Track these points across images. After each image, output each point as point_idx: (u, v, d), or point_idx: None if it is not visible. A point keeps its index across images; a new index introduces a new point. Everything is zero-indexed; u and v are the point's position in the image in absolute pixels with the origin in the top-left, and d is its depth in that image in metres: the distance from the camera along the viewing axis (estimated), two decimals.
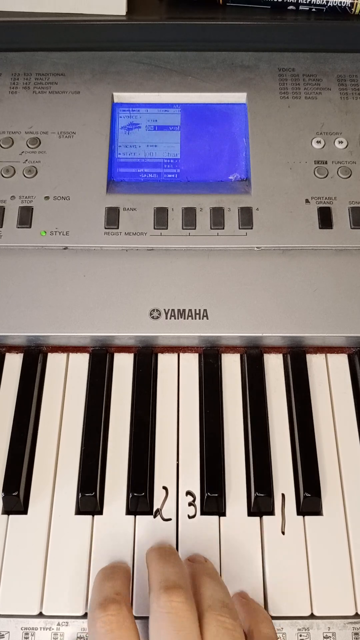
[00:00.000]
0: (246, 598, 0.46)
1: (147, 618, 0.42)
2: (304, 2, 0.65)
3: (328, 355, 0.58)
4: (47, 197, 0.60)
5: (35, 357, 0.57)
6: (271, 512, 0.50)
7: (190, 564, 0.46)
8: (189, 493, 0.51)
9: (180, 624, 0.39)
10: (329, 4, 0.65)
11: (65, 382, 0.56)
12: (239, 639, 0.40)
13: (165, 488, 0.51)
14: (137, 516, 0.50)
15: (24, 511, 0.50)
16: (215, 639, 0.39)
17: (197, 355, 0.58)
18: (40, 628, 0.46)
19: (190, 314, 0.56)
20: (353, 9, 0.64)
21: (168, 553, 0.45)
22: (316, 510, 0.50)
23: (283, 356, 0.58)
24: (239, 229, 0.59)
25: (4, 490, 0.49)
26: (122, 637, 0.39)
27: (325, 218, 0.60)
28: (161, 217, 0.60)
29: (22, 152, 0.63)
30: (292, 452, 0.53)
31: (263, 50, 0.67)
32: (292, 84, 0.66)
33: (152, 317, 0.56)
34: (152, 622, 0.40)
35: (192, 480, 0.51)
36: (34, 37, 0.65)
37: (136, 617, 0.44)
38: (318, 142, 0.63)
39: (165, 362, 0.58)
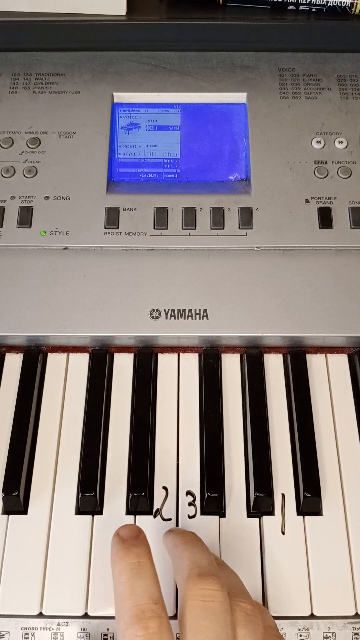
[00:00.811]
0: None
1: None
2: (304, 2, 0.65)
3: (328, 355, 0.58)
4: (47, 197, 0.60)
5: (35, 357, 0.57)
6: (271, 512, 0.50)
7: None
8: (189, 493, 0.51)
9: (214, 614, 0.37)
10: (329, 4, 0.65)
11: (65, 382, 0.56)
12: (260, 622, 0.39)
13: (165, 488, 0.51)
14: (137, 516, 0.50)
15: (24, 511, 0.50)
16: (243, 625, 0.38)
17: (197, 355, 0.58)
18: (40, 628, 0.46)
19: (190, 314, 0.56)
20: (353, 9, 0.64)
21: (195, 538, 0.43)
22: (316, 510, 0.50)
23: (283, 356, 0.58)
24: (239, 229, 0.59)
25: (4, 490, 0.50)
26: None
27: (325, 218, 0.60)
28: (161, 217, 0.60)
29: (22, 152, 0.63)
30: (292, 452, 0.53)
31: (263, 50, 0.67)
32: (292, 84, 0.66)
33: (152, 317, 0.56)
34: (188, 611, 0.38)
35: (192, 480, 0.51)
36: (34, 37, 0.65)
37: None
38: (318, 142, 0.63)
39: (165, 362, 0.58)
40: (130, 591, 0.38)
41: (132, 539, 0.41)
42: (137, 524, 0.50)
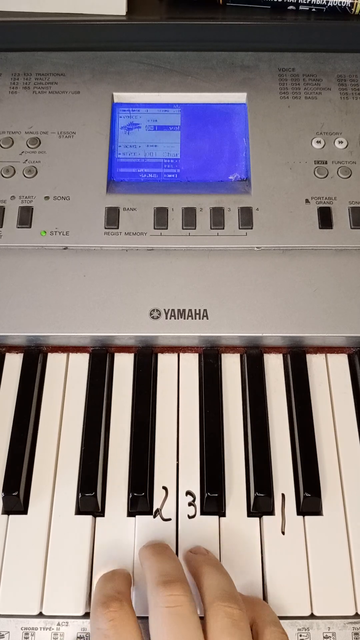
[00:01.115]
0: (239, 594, 0.46)
1: (147, 618, 0.42)
2: (304, 2, 0.65)
3: (328, 355, 0.58)
4: (47, 197, 0.60)
5: (35, 357, 0.57)
6: (271, 512, 0.50)
7: (193, 556, 0.46)
8: (189, 493, 0.51)
9: (181, 618, 0.39)
10: (329, 4, 0.65)
11: (65, 382, 0.56)
12: (245, 629, 0.40)
13: (165, 488, 0.51)
14: (137, 516, 0.50)
15: (24, 511, 0.50)
16: (223, 630, 0.39)
17: (197, 355, 0.58)
18: (40, 628, 0.46)
19: (190, 314, 0.56)
20: (353, 9, 0.64)
21: (162, 548, 0.45)
22: (316, 510, 0.50)
23: (283, 356, 0.58)
24: (239, 229, 0.59)
25: (4, 490, 0.49)
26: (125, 634, 0.39)
27: (325, 218, 0.60)
28: (161, 217, 0.60)
29: (22, 152, 0.63)
30: (292, 452, 0.53)
31: (263, 50, 0.67)
32: (292, 84, 0.66)
33: (152, 317, 0.56)
34: (153, 618, 0.40)
35: (192, 480, 0.51)
36: (34, 37, 0.65)
37: (138, 617, 0.44)
38: (318, 142, 0.63)
39: (165, 362, 0.58)
40: (100, 590, 0.43)
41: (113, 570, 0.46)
42: (137, 524, 0.50)
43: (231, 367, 0.57)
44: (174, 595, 0.39)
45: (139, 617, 0.43)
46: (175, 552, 0.48)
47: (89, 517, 0.50)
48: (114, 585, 0.43)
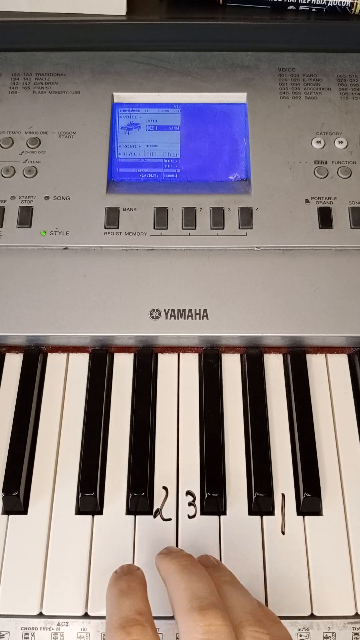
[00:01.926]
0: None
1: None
2: (304, 2, 0.65)
3: (328, 355, 0.58)
4: (47, 197, 0.60)
5: (35, 357, 0.57)
6: (271, 512, 0.50)
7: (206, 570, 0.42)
8: (189, 493, 0.51)
9: None
10: (329, 4, 0.65)
11: (65, 382, 0.56)
12: None
13: (165, 488, 0.51)
14: (137, 516, 0.50)
15: (24, 511, 0.50)
16: None
17: (197, 355, 0.58)
18: (40, 628, 0.46)
19: (190, 314, 0.56)
20: (353, 9, 0.64)
21: (191, 563, 0.41)
22: (316, 510, 0.50)
23: (283, 356, 0.58)
24: (239, 229, 0.59)
25: (4, 490, 0.50)
26: None
27: (325, 218, 0.60)
28: (161, 217, 0.60)
29: (22, 152, 0.63)
30: (292, 452, 0.53)
31: (263, 50, 0.67)
32: (292, 84, 0.66)
33: (152, 317, 0.56)
34: None
35: (192, 480, 0.51)
36: (34, 37, 0.65)
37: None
38: (318, 142, 0.63)
39: (165, 362, 0.58)
40: (117, 607, 0.38)
41: (127, 571, 0.42)
42: (137, 524, 0.50)
43: (231, 367, 0.57)
44: (214, 626, 0.35)
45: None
46: None
47: (89, 517, 0.50)
48: (132, 604, 0.38)
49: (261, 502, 0.50)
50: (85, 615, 0.46)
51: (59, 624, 0.46)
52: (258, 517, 0.50)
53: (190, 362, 0.58)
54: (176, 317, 0.56)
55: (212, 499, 0.50)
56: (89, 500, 0.50)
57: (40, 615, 0.46)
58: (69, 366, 0.57)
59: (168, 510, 0.50)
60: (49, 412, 0.55)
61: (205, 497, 0.50)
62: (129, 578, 0.41)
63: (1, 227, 0.59)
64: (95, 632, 0.46)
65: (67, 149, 0.62)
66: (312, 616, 0.47)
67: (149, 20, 0.65)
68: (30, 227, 0.59)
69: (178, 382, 0.57)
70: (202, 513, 0.50)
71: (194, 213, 0.60)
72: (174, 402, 0.55)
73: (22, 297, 0.57)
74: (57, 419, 0.54)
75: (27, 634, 0.46)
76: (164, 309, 0.57)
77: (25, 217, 0.59)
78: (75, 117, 0.64)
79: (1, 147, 0.63)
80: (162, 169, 0.63)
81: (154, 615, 0.39)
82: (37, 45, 0.67)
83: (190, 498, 0.51)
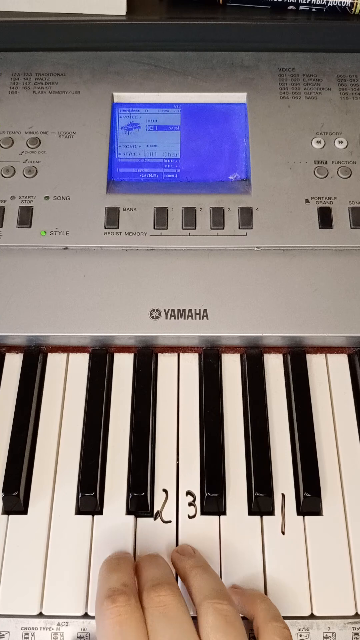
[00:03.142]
0: (240, 588, 0.47)
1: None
2: (304, 2, 0.65)
3: (328, 355, 0.58)
4: (47, 197, 0.60)
5: (35, 357, 0.57)
6: (271, 512, 0.50)
7: (179, 557, 0.46)
8: (189, 493, 0.51)
9: (172, 618, 0.39)
10: (329, 4, 0.65)
11: (65, 382, 0.56)
12: (237, 623, 0.40)
13: (165, 490, 0.51)
14: (138, 518, 0.50)
15: (24, 511, 0.50)
16: (214, 627, 0.39)
17: (197, 355, 0.58)
18: (40, 628, 0.46)
19: (190, 314, 0.56)
20: (353, 9, 0.64)
21: (153, 557, 0.46)
22: (316, 510, 0.50)
23: (283, 356, 0.58)
24: (239, 229, 0.59)
25: (4, 490, 0.50)
26: (132, 629, 0.39)
27: (325, 218, 0.60)
28: (161, 217, 0.60)
29: (22, 152, 0.63)
30: (292, 452, 0.53)
31: (263, 50, 0.67)
32: (292, 84, 0.66)
33: (152, 317, 0.56)
34: (147, 621, 0.40)
35: (192, 480, 0.51)
36: (34, 37, 0.65)
37: None
38: (318, 142, 0.63)
39: (165, 362, 0.58)
40: (105, 581, 0.43)
41: (116, 555, 0.46)
42: (137, 525, 0.50)
43: (231, 367, 0.57)
44: (162, 596, 0.40)
45: None
46: None
47: (89, 517, 0.50)
48: (119, 577, 0.42)
49: (261, 502, 0.50)
50: (85, 615, 0.46)
51: (59, 624, 0.46)
52: (258, 517, 0.50)
53: (190, 362, 0.58)
54: (176, 317, 0.56)
55: (212, 499, 0.50)
56: (89, 500, 0.50)
57: (40, 615, 0.46)
58: (69, 366, 0.57)
59: (168, 510, 0.50)
60: (49, 412, 0.55)
61: (205, 497, 0.50)
62: (118, 555, 0.46)
63: (1, 227, 0.59)
64: (95, 632, 0.46)
65: (67, 149, 0.62)
66: (312, 616, 0.47)
67: (149, 20, 0.65)
68: (30, 227, 0.59)
69: (178, 382, 0.57)
70: (202, 513, 0.50)
71: (194, 213, 0.60)
72: (174, 402, 0.55)
73: (22, 297, 0.57)
74: (57, 419, 0.54)
75: (27, 634, 0.46)
76: (164, 309, 0.57)
77: (25, 217, 0.59)
78: (75, 117, 0.64)
79: (1, 147, 0.63)
80: (162, 169, 0.63)
81: None
82: (37, 45, 0.67)
83: (190, 498, 0.51)
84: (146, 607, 0.40)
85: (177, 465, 0.52)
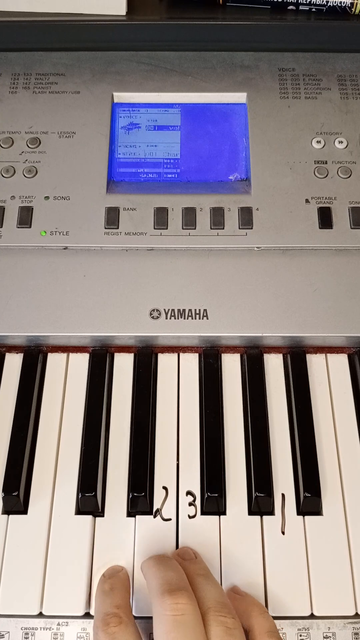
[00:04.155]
0: (239, 593, 0.47)
1: (147, 618, 0.42)
2: (304, 2, 0.65)
3: (328, 355, 0.58)
4: (47, 197, 0.60)
5: (35, 357, 0.57)
6: (271, 512, 0.50)
7: (181, 562, 0.46)
8: (189, 493, 0.51)
9: (188, 626, 0.39)
10: (329, 4, 0.65)
11: (65, 382, 0.56)
12: (239, 637, 0.40)
13: (165, 488, 0.51)
14: (137, 516, 0.50)
15: (24, 511, 0.50)
16: (217, 638, 0.40)
17: (197, 355, 0.58)
18: (40, 628, 0.46)
19: (190, 314, 0.56)
20: (353, 9, 0.64)
21: (165, 558, 0.46)
22: (316, 510, 0.50)
23: (283, 356, 0.58)
24: (239, 229, 0.59)
25: (4, 490, 0.49)
26: None
27: (325, 218, 0.60)
28: (161, 217, 0.60)
29: (22, 152, 0.63)
30: (292, 452, 0.53)
31: (263, 50, 0.67)
32: (292, 84, 0.66)
33: (152, 317, 0.56)
34: (158, 626, 0.40)
35: (192, 480, 0.51)
36: (34, 37, 0.65)
37: (136, 617, 0.44)
38: (318, 142, 0.63)
39: (165, 362, 0.58)
40: (100, 606, 0.44)
41: (111, 574, 0.47)
42: (137, 524, 0.50)
43: (231, 367, 0.57)
44: (180, 604, 0.40)
45: (139, 618, 0.44)
46: None
47: (89, 517, 0.50)
48: (112, 601, 0.44)
49: (261, 502, 0.50)
50: (85, 615, 0.46)
51: (59, 624, 0.46)
52: (258, 517, 0.50)
53: (190, 362, 0.58)
54: (176, 317, 0.56)
55: (212, 499, 0.50)
56: (89, 500, 0.50)
57: (40, 615, 0.46)
58: (69, 366, 0.57)
59: (168, 510, 0.50)
60: (49, 412, 0.55)
61: (205, 497, 0.50)
62: (112, 581, 0.46)
63: (1, 227, 0.59)
64: None
65: (67, 149, 0.62)
66: (312, 616, 0.47)
67: (149, 20, 0.65)
68: (30, 227, 0.59)
69: (178, 382, 0.57)
70: (202, 513, 0.50)
71: (194, 213, 0.60)
72: (174, 402, 0.55)
73: (22, 297, 0.57)
74: (57, 419, 0.54)
75: (27, 634, 0.46)
76: (164, 309, 0.57)
77: (25, 217, 0.59)
78: (75, 117, 0.64)
79: (1, 147, 0.63)
80: (162, 169, 0.63)
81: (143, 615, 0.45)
82: (37, 45, 0.67)
83: (190, 498, 0.51)
84: (161, 613, 0.41)
85: (177, 465, 0.52)
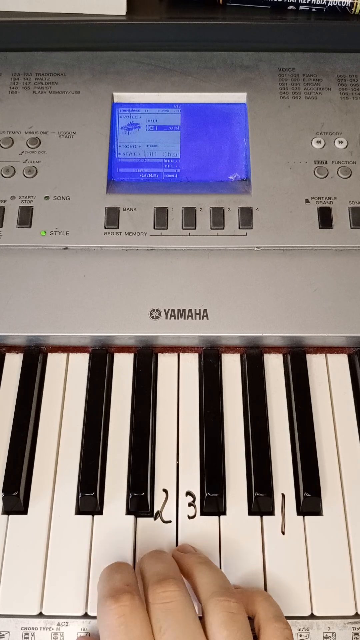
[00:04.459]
0: (240, 587, 0.46)
1: None
2: (304, 2, 0.65)
3: (328, 355, 0.58)
4: (47, 197, 0.60)
5: (35, 357, 0.57)
6: (271, 512, 0.50)
7: (181, 555, 0.46)
8: (189, 493, 0.51)
9: (177, 613, 0.39)
10: (329, 4, 0.65)
11: (65, 382, 0.56)
12: (244, 622, 0.40)
13: (165, 490, 0.51)
14: (138, 519, 0.50)
15: (24, 511, 0.50)
16: (221, 624, 0.39)
17: (197, 355, 0.58)
18: (40, 628, 0.46)
19: (190, 314, 0.56)
20: (353, 9, 0.64)
21: (157, 552, 0.45)
22: (316, 510, 0.50)
23: (283, 356, 0.58)
24: (239, 229, 0.59)
25: (4, 490, 0.50)
26: (136, 627, 0.39)
27: (325, 218, 0.60)
28: (161, 217, 0.60)
29: (22, 152, 0.63)
30: (292, 452, 0.53)
31: (263, 50, 0.67)
32: (292, 84, 0.66)
33: (152, 317, 0.56)
34: (152, 616, 0.40)
35: (192, 480, 0.51)
36: (34, 37, 0.65)
37: None
38: (318, 142, 0.63)
39: (165, 362, 0.58)
40: (107, 581, 0.42)
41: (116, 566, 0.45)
42: (137, 525, 0.50)
43: (231, 367, 0.57)
44: (168, 592, 0.40)
45: None
46: None
47: (89, 517, 0.50)
48: (122, 577, 0.42)
49: (261, 502, 0.50)
50: (85, 615, 0.46)
51: (59, 624, 0.46)
52: (258, 517, 0.50)
53: (190, 362, 0.58)
54: (176, 317, 0.56)
55: (212, 499, 0.50)
56: (89, 500, 0.50)
57: (40, 615, 0.46)
58: (69, 366, 0.57)
59: (168, 511, 0.50)
60: (49, 412, 0.55)
61: (205, 497, 0.50)
62: (118, 562, 0.45)
63: (1, 227, 0.59)
64: (96, 632, 0.46)
65: (67, 149, 0.62)
66: (312, 616, 0.47)
67: (149, 20, 0.65)
68: (30, 227, 0.59)
69: (178, 382, 0.57)
70: (202, 513, 0.50)
71: (194, 213, 0.60)
72: (174, 402, 0.55)
73: (22, 297, 0.57)
74: (57, 419, 0.54)
75: (27, 634, 0.46)
76: (164, 309, 0.57)
77: (25, 217, 0.59)
78: (75, 117, 0.64)
79: (1, 147, 0.63)
80: (162, 169, 0.63)
81: None
82: (37, 45, 0.67)
83: (190, 498, 0.51)
84: (151, 603, 0.40)
85: (177, 465, 0.52)
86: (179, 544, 0.49)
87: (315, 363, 0.58)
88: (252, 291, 0.57)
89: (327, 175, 0.61)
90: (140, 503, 0.50)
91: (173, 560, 0.45)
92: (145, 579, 0.42)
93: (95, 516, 0.50)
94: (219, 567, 0.48)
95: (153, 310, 0.56)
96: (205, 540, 0.49)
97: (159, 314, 0.56)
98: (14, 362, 0.57)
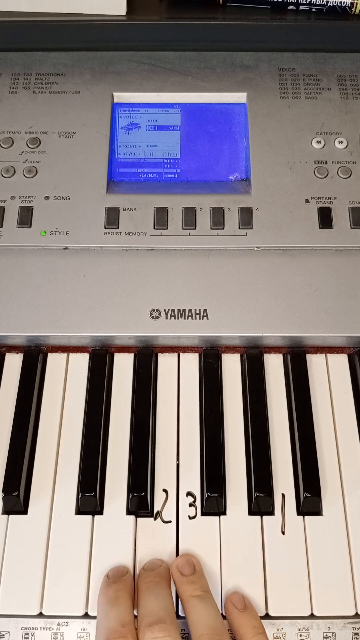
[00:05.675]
0: (238, 606, 0.46)
1: None
2: (304, 2, 0.65)
3: (328, 355, 0.58)
4: (47, 197, 0.60)
5: (35, 357, 0.57)
6: (271, 512, 0.50)
7: (180, 580, 0.46)
8: (189, 494, 0.51)
9: None
10: (329, 4, 0.65)
11: (65, 382, 0.56)
12: None
13: (165, 491, 0.51)
14: (138, 519, 0.50)
15: (24, 511, 0.50)
16: None
17: (197, 355, 0.58)
18: (40, 628, 0.46)
19: (190, 314, 0.56)
20: (353, 9, 0.64)
21: (154, 583, 0.45)
22: (316, 510, 0.50)
23: (283, 356, 0.58)
24: (239, 229, 0.59)
25: (4, 490, 0.50)
26: None
27: (325, 218, 0.60)
28: (161, 217, 0.60)
29: (22, 152, 0.63)
30: (292, 452, 0.53)
31: (263, 50, 0.67)
32: (292, 84, 0.66)
33: (152, 317, 0.56)
34: None
35: (192, 480, 0.51)
36: (34, 37, 0.65)
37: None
38: (318, 142, 0.63)
39: (165, 362, 0.58)
40: (104, 617, 0.43)
41: (116, 577, 0.46)
42: (138, 525, 0.50)
43: (231, 367, 0.57)
44: (157, 638, 0.40)
45: None
46: (175, 553, 0.48)
47: (89, 517, 0.50)
48: (117, 614, 0.43)
49: (261, 502, 0.50)
50: (85, 615, 0.46)
51: (59, 624, 0.46)
52: (258, 517, 0.50)
53: (190, 362, 0.58)
54: (176, 317, 0.56)
55: (212, 500, 0.50)
56: (89, 500, 0.50)
57: (40, 615, 0.46)
58: (69, 366, 0.57)
59: (168, 511, 0.50)
60: (49, 412, 0.55)
61: (205, 497, 0.50)
62: (116, 587, 0.45)
63: (1, 227, 0.59)
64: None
65: (67, 149, 0.62)
66: (312, 616, 0.47)
67: (149, 20, 0.65)
68: (30, 227, 0.59)
69: (178, 382, 0.57)
70: (203, 513, 0.50)
71: (194, 213, 0.60)
72: (174, 402, 0.55)
73: (22, 297, 0.57)
74: (57, 419, 0.54)
75: (27, 634, 0.46)
76: (164, 309, 0.57)
77: (25, 217, 0.59)
78: (75, 117, 0.64)
79: (1, 147, 0.63)
80: (162, 169, 0.63)
81: None
82: (37, 45, 0.67)
83: (190, 499, 0.51)
84: None
85: (177, 465, 0.52)
86: (180, 545, 0.49)
87: (315, 363, 0.58)
88: (252, 291, 0.57)
89: (327, 175, 0.61)
90: (140, 503, 0.50)
91: (168, 594, 0.44)
92: (140, 617, 0.43)
93: (96, 516, 0.50)
94: (219, 567, 0.48)
95: (153, 310, 0.56)
96: (205, 540, 0.49)
97: (159, 314, 0.56)
98: (14, 362, 0.57)
